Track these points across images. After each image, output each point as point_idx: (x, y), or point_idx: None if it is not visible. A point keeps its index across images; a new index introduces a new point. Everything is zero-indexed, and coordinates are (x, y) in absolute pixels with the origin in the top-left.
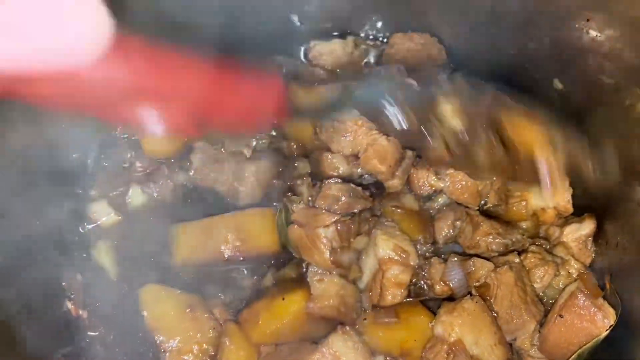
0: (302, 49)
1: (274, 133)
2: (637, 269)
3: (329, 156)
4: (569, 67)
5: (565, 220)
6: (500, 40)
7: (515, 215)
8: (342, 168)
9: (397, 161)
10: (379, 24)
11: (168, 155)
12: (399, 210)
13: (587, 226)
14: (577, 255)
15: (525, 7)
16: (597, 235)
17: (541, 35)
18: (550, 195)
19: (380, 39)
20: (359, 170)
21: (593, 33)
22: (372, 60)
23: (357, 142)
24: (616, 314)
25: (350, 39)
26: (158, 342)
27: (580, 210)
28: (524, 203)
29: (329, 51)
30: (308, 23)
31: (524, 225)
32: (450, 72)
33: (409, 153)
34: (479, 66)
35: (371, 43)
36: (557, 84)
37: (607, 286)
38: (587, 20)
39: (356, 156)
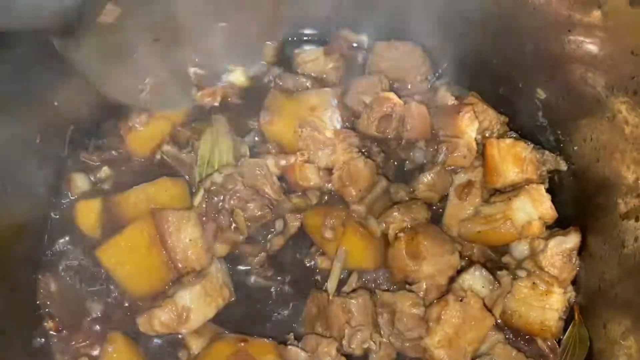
0: (287, 56)
1: (256, 138)
2: (619, 283)
3: (303, 166)
4: (551, 76)
5: (550, 233)
6: (483, 50)
7: (505, 236)
8: (314, 181)
9: (369, 187)
10: (363, 33)
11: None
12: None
13: (572, 239)
14: (549, 268)
15: (508, 17)
16: (579, 249)
17: (524, 45)
18: (532, 207)
19: (365, 47)
20: (329, 185)
21: (575, 44)
22: (355, 69)
23: (335, 157)
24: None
25: None
26: None
27: (563, 225)
28: (509, 222)
29: (313, 59)
30: (292, 30)
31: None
32: (434, 80)
33: (383, 182)
34: (463, 75)
35: (355, 52)
36: (540, 93)
37: (576, 317)
38: (569, 31)
39: (330, 170)
